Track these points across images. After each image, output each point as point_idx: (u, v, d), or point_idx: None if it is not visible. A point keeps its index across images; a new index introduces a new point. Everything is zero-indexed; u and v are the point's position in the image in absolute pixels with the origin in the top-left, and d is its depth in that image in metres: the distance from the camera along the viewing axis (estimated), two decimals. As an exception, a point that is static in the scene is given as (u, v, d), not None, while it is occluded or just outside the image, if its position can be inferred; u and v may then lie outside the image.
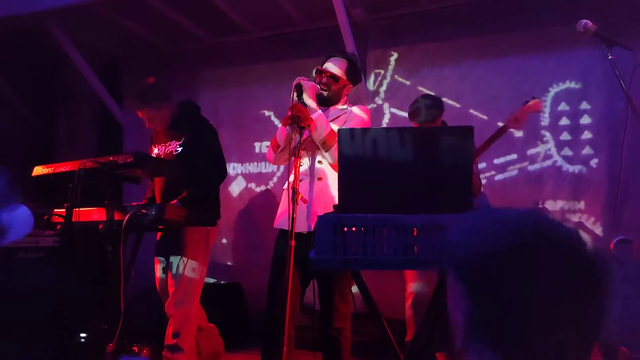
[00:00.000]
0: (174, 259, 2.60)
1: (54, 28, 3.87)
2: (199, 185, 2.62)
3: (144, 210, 2.18)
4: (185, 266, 2.59)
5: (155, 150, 2.81)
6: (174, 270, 2.59)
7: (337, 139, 1.57)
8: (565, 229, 0.67)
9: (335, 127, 2.10)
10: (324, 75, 2.20)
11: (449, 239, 0.71)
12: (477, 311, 0.66)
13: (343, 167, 1.46)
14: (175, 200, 2.52)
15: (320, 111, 2.11)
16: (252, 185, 4.23)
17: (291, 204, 1.86)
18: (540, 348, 0.64)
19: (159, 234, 2.78)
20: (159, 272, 2.77)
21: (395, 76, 3.83)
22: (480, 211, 0.73)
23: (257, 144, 4.23)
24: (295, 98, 2.09)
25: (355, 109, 2.24)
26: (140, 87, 2.79)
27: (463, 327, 0.67)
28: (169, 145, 2.74)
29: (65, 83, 4.52)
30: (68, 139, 4.56)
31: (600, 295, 0.64)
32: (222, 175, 2.81)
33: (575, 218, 3.29)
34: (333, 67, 2.23)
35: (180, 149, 2.69)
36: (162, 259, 2.73)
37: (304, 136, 2.16)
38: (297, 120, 1.99)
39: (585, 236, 0.67)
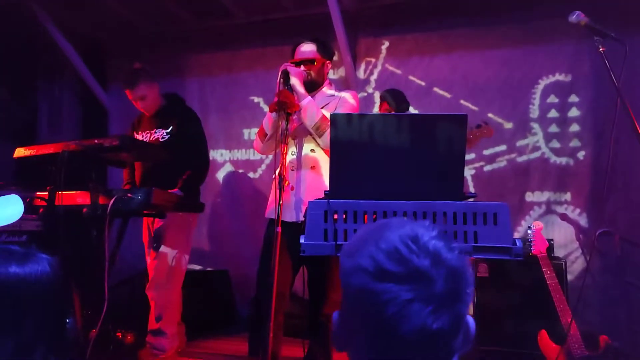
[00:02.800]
0: (157, 244, 2.67)
1: (37, 9, 3.75)
2: (196, 173, 2.69)
3: (130, 195, 2.13)
4: (167, 251, 2.65)
5: (139, 137, 2.82)
6: (156, 255, 2.66)
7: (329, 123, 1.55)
8: None
9: (327, 113, 2.08)
10: (300, 65, 2.18)
11: None
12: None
13: (335, 153, 1.44)
14: (176, 189, 2.58)
15: (310, 97, 2.10)
16: (240, 172, 4.18)
17: (278, 191, 1.85)
18: None
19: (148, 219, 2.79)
20: (148, 257, 2.80)
21: (386, 65, 3.81)
22: None
23: (245, 131, 4.18)
24: (282, 84, 2.07)
25: (344, 94, 2.24)
26: (129, 70, 2.82)
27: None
28: (155, 132, 2.76)
29: (48, 65, 4.39)
30: (50, 121, 4.45)
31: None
32: (207, 165, 2.90)
33: (561, 209, 3.34)
34: (305, 52, 2.22)
35: (167, 137, 2.73)
36: (150, 243, 2.77)
37: (294, 125, 2.14)
38: (284, 106, 1.97)
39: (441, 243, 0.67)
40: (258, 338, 2.09)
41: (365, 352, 0.67)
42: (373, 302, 0.63)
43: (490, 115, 3.46)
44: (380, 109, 3.10)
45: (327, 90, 2.27)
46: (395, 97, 3.03)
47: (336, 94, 2.25)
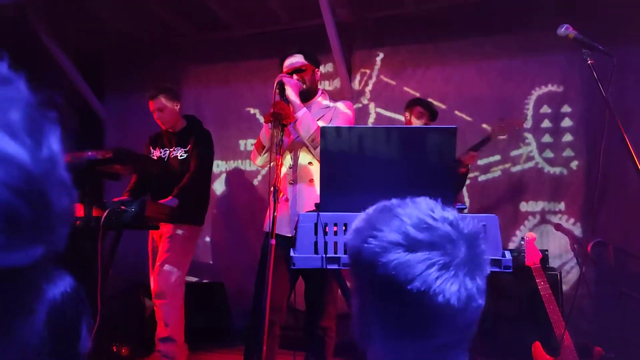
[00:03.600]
0: (160, 255, 2.76)
1: (34, 20, 3.78)
2: (192, 186, 2.79)
3: (123, 207, 2.13)
4: (171, 261, 2.74)
5: (158, 153, 2.99)
6: (160, 264, 2.73)
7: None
8: None
9: (322, 124, 2.08)
10: (292, 74, 2.19)
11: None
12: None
13: (325, 165, 1.45)
14: (170, 197, 2.66)
15: (305, 109, 2.10)
16: (236, 184, 4.19)
17: (272, 202, 1.85)
18: None
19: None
20: (152, 266, 2.86)
21: (381, 76, 3.85)
22: None
23: (241, 142, 4.19)
24: (278, 95, 2.08)
25: (340, 105, 2.23)
26: (157, 85, 3.10)
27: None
28: (174, 150, 2.95)
29: (44, 77, 4.41)
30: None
31: None
32: (208, 182, 3.07)
33: (555, 219, 3.35)
34: (293, 62, 2.23)
35: (185, 155, 2.91)
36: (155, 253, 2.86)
37: (291, 137, 2.15)
38: (279, 117, 1.98)
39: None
40: (253, 351, 2.09)
41: (400, 333, 0.69)
42: (414, 270, 0.65)
43: (484, 125, 3.49)
44: (410, 116, 2.95)
45: (322, 100, 2.27)
46: (431, 107, 2.97)
47: (331, 104, 2.25)
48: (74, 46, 4.17)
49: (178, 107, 2.99)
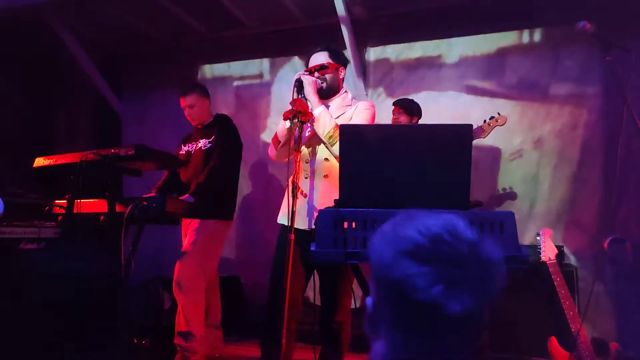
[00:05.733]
0: (185, 245, 2.82)
1: (53, 21, 3.86)
2: (209, 180, 2.78)
3: (144, 203, 2.19)
4: (192, 254, 2.77)
5: (186, 148, 3.08)
6: (181, 258, 2.78)
7: (341, 133, 1.59)
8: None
9: (341, 123, 2.10)
10: (314, 71, 2.21)
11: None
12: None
13: (344, 162, 1.48)
14: (187, 195, 2.67)
15: (323, 106, 2.12)
16: (252, 178, 4.24)
17: (291, 199, 1.88)
18: None
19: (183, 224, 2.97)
20: None
21: (396, 73, 3.85)
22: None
23: (256, 139, 4.24)
24: (296, 93, 2.11)
25: (360, 104, 2.25)
26: (189, 82, 3.26)
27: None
28: (199, 142, 3.00)
29: (64, 76, 4.51)
30: (67, 131, 4.56)
31: None
32: (232, 174, 3.02)
33: (572, 216, 3.32)
34: (317, 59, 2.24)
35: (209, 145, 2.95)
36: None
37: (310, 133, 2.18)
38: (298, 115, 2.01)
39: None
40: (270, 344, 2.13)
41: (406, 332, 0.72)
42: (420, 283, 0.68)
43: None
44: (393, 119, 3.16)
45: (343, 99, 2.28)
46: (409, 106, 3.16)
47: (352, 103, 2.27)
48: (94, 47, 4.26)
49: (208, 104, 3.08)
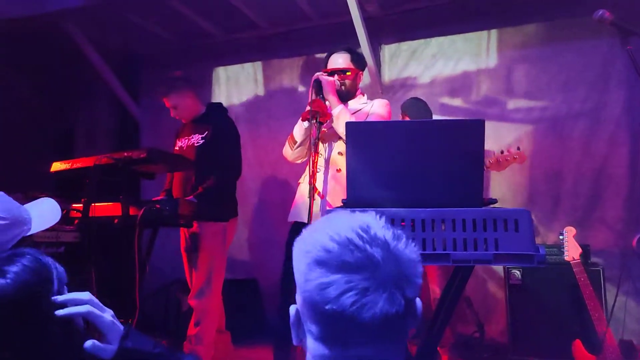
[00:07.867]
0: (195, 253, 2.74)
1: (70, 27, 3.94)
2: (214, 181, 2.71)
3: (158, 206, 2.20)
4: (204, 260, 2.72)
5: (179, 144, 2.95)
6: (194, 264, 2.73)
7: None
8: None
9: (359, 118, 2.11)
10: (335, 74, 2.20)
11: None
12: None
13: (352, 160, 1.45)
14: (191, 196, 2.61)
15: (342, 105, 2.13)
16: (268, 179, 4.23)
17: (309, 200, 1.87)
18: None
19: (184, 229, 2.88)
20: (188, 266, 2.87)
21: (411, 70, 3.79)
22: None
23: (271, 140, 4.23)
24: (314, 93, 2.10)
25: (376, 102, 2.26)
26: (166, 78, 3.00)
27: None
28: (191, 138, 2.87)
29: (83, 81, 4.60)
30: (87, 136, 4.65)
31: None
32: (236, 173, 2.92)
33: (597, 213, 3.20)
34: (339, 62, 2.23)
35: (202, 142, 2.82)
36: (188, 253, 2.85)
37: (323, 131, 2.17)
38: (316, 115, 2.00)
39: None
40: (283, 348, 2.11)
41: (323, 341, 0.69)
42: (331, 293, 0.65)
43: (519, 116, 3.38)
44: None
45: (359, 99, 2.29)
46: (417, 109, 3.03)
47: (368, 102, 2.27)
48: (111, 52, 4.32)
49: (192, 96, 2.89)
